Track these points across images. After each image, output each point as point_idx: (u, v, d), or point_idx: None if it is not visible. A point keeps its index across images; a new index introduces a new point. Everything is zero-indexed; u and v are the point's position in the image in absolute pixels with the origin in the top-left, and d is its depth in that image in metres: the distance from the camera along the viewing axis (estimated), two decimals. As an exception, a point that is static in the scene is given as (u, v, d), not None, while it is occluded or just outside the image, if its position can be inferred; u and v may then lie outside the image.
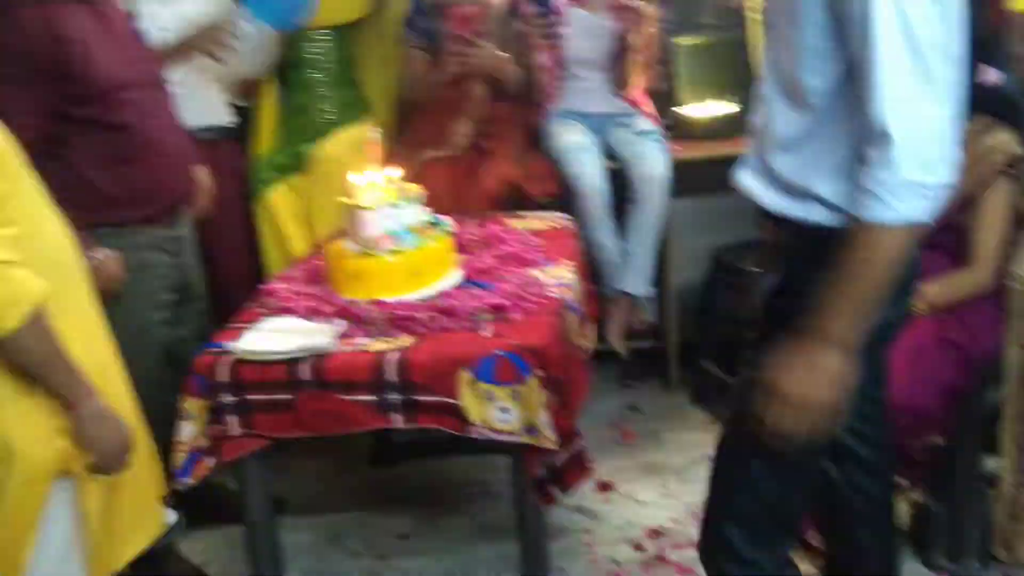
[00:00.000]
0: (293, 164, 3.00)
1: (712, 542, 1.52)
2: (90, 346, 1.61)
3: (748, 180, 1.45)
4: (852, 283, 1.24)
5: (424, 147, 3.00)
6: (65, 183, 1.81)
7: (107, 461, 1.57)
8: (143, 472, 1.71)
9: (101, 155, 2.09)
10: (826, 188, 1.32)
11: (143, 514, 1.74)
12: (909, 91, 1.18)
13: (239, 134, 3.01)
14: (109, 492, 1.61)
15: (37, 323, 1.44)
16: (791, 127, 1.35)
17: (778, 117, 1.37)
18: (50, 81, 1.99)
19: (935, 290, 2.13)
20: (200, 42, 2.57)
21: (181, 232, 2.32)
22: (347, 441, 2.23)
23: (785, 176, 1.37)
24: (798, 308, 1.29)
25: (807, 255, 1.34)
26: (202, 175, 2.44)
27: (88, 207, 2.02)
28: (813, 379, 1.27)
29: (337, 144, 2.98)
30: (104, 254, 2.06)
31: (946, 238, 2.13)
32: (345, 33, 3.08)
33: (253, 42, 2.85)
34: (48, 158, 1.89)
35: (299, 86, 3.07)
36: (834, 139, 1.31)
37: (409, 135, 3.08)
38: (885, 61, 1.18)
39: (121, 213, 2.14)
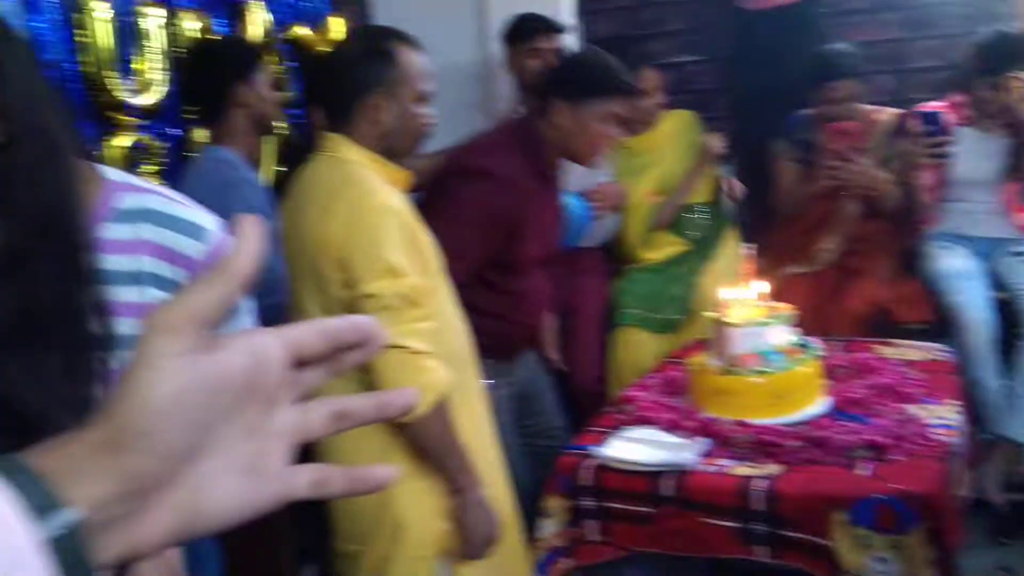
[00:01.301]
0: (661, 324, 2.96)
1: None
2: (477, 438, 1.72)
3: None
4: None
5: (787, 261, 2.93)
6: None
7: (476, 548, 1.66)
8: (513, 565, 1.78)
9: (483, 308, 2.14)
10: None
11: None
12: None
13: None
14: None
15: (441, 411, 1.57)
16: None
17: None
18: (493, 244, 2.10)
19: None
20: None
21: (516, 369, 2.33)
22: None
23: None
24: None
25: None
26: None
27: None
28: None
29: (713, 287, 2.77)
30: None
31: None
32: None
33: None
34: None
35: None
36: None
37: (772, 247, 3.03)
38: None
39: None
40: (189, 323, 0.42)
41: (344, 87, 1.65)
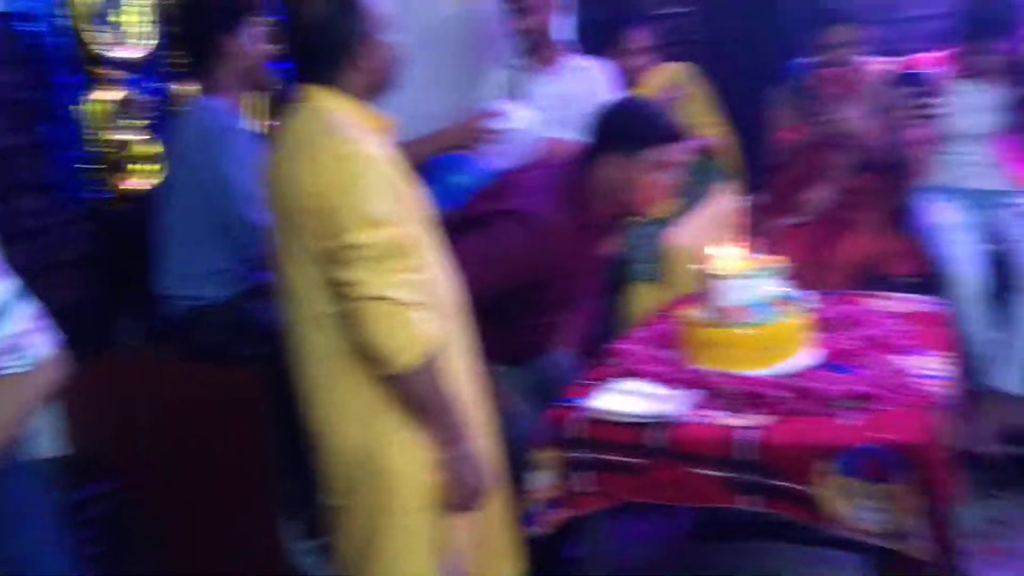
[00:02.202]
0: (651, 266, 2.97)
1: None
2: (465, 392, 1.71)
3: None
4: None
5: (780, 213, 2.92)
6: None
7: (465, 500, 1.66)
8: (500, 518, 1.79)
9: (512, 324, 2.14)
10: None
11: (501, 558, 1.81)
12: None
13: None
14: (470, 531, 1.70)
15: (429, 364, 1.56)
16: None
17: None
18: (514, 284, 2.07)
19: None
20: (457, 135, 2.47)
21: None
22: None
23: None
24: None
25: None
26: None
27: None
28: None
29: (691, 238, 2.87)
30: None
31: None
32: None
33: (522, 139, 2.66)
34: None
35: None
36: None
37: (766, 200, 3.02)
38: None
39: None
40: None
41: (323, 43, 1.63)
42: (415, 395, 1.58)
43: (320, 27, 1.62)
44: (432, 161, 2.34)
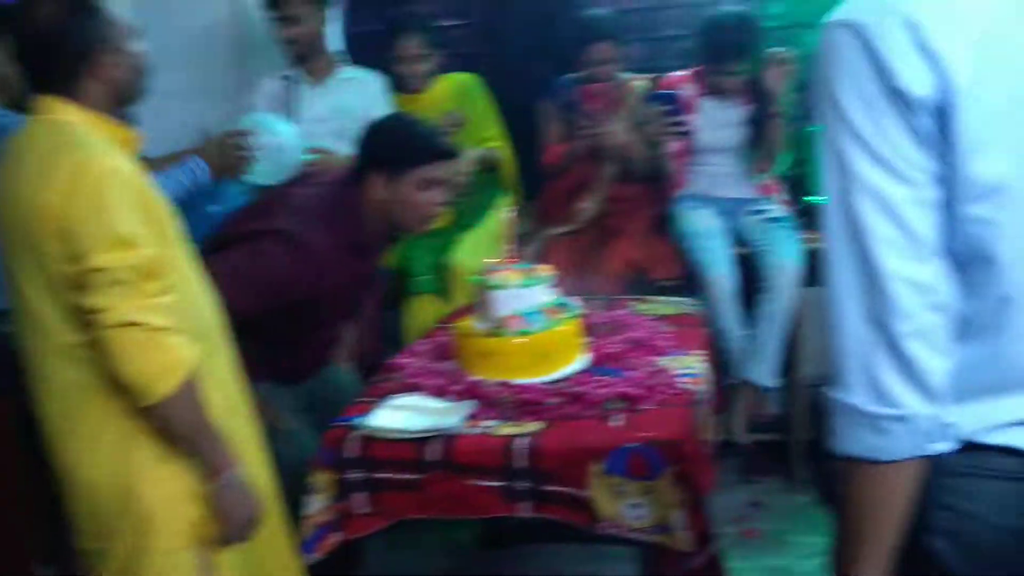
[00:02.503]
0: (436, 280, 2.97)
1: None
2: (231, 416, 1.63)
3: None
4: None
5: (551, 223, 3.02)
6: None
7: (235, 532, 1.58)
8: (274, 546, 1.72)
9: (281, 343, 2.12)
10: None
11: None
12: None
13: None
14: (243, 564, 1.62)
15: (188, 390, 1.47)
16: None
17: None
18: (273, 304, 2.00)
19: None
20: (210, 152, 2.28)
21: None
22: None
23: None
24: None
25: None
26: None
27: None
28: None
29: (471, 252, 2.89)
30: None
31: None
32: None
33: (276, 155, 2.48)
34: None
35: None
36: None
37: (538, 210, 3.12)
38: None
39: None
40: None
41: (58, 51, 1.50)
42: (174, 424, 1.49)
43: (55, 34, 1.49)
44: (188, 191, 2.21)
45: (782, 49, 2.86)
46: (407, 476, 1.81)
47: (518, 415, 1.90)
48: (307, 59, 2.99)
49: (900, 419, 0.91)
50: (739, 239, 3.00)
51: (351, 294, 2.22)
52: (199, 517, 1.55)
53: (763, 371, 2.91)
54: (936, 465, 0.96)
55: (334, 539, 1.85)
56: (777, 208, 3.01)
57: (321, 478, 1.86)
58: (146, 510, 1.51)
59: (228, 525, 1.57)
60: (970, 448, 0.96)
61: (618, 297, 2.64)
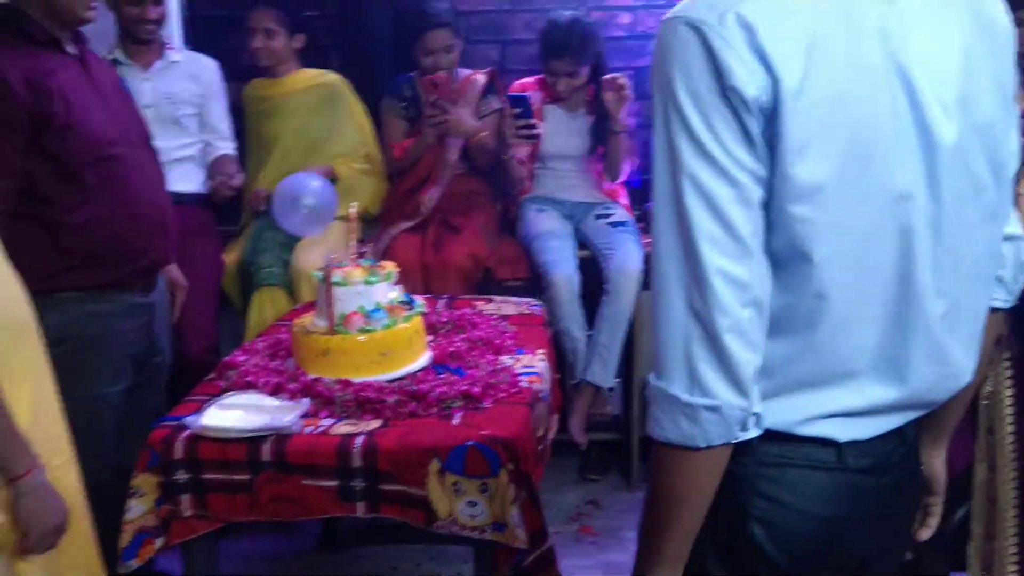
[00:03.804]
0: (281, 275, 2.93)
1: None
2: (39, 414, 1.52)
3: None
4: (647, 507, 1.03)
5: (397, 219, 3.00)
6: (34, 242, 1.76)
7: (38, 540, 1.47)
8: (81, 555, 1.60)
9: (80, 214, 2.01)
10: None
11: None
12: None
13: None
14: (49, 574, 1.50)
15: (-14, 391, 1.35)
16: None
17: None
18: (30, 132, 1.92)
19: None
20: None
21: (153, 299, 2.25)
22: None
23: None
24: None
25: None
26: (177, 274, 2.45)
27: (57, 269, 1.96)
28: None
29: (313, 253, 2.85)
30: None
31: None
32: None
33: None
34: (19, 217, 1.84)
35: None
36: None
37: (385, 207, 3.09)
38: None
39: (93, 276, 2.06)
40: None
41: None
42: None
43: None
44: None
45: (618, 75, 2.92)
46: (237, 477, 1.74)
47: (357, 414, 1.86)
48: (140, 42, 2.84)
49: (714, 409, 0.94)
50: (582, 242, 3.06)
51: (94, 107, 2.06)
52: (2, 524, 1.43)
53: (603, 372, 2.97)
54: (755, 455, 1.00)
55: (155, 545, 1.75)
56: (620, 212, 3.09)
57: (144, 481, 1.76)
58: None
59: (30, 533, 1.45)
60: (787, 439, 1.01)
61: (464, 297, 2.64)
